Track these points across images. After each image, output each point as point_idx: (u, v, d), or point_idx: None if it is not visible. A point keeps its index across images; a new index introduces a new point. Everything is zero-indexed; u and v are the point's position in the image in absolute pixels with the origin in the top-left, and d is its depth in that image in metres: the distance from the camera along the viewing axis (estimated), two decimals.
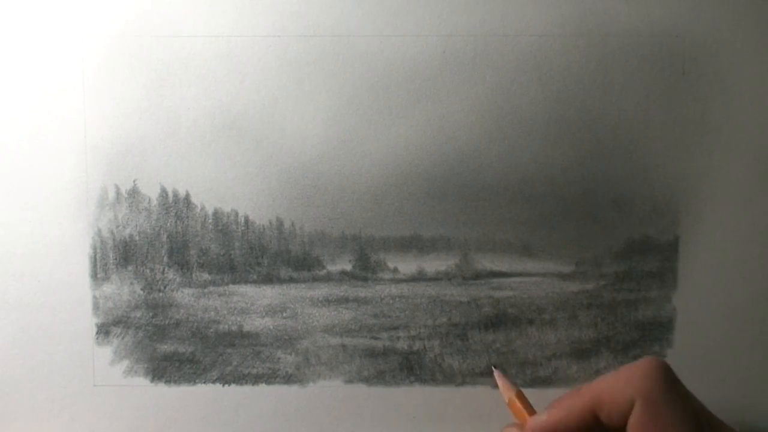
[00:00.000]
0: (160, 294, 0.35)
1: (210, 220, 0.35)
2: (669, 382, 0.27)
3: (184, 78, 0.34)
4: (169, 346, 0.35)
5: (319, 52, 0.34)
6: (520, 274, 0.35)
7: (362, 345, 0.35)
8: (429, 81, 0.34)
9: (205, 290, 0.35)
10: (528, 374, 0.35)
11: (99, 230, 0.35)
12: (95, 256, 0.35)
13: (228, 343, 0.35)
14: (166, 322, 0.35)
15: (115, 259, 0.35)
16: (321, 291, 0.35)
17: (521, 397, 0.31)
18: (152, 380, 0.35)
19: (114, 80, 0.34)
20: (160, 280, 0.35)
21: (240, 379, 0.35)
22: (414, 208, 0.35)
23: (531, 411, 0.31)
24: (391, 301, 0.35)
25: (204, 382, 0.35)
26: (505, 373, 0.34)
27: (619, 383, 0.27)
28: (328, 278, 0.35)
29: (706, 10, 0.34)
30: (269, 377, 0.35)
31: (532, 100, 0.34)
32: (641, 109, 0.34)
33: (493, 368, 0.34)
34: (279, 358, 0.35)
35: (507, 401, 0.32)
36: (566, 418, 0.28)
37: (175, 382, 0.35)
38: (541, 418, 0.29)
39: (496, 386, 0.33)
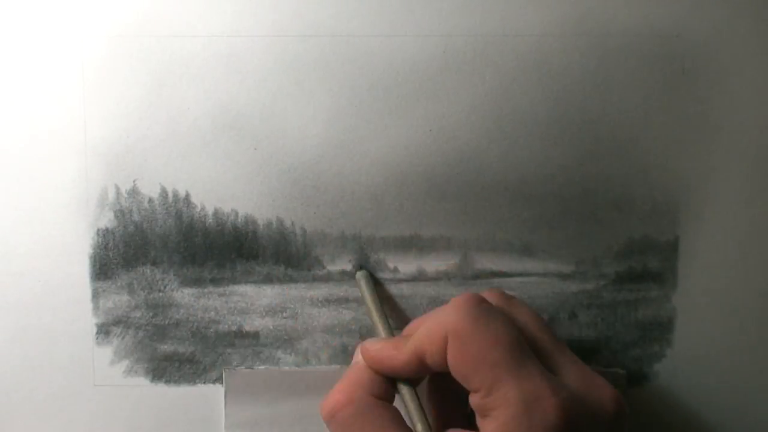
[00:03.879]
0: (160, 294, 0.35)
1: (210, 220, 0.35)
2: (475, 313, 0.27)
3: (184, 78, 0.34)
4: (169, 346, 0.35)
5: (319, 52, 0.34)
6: (520, 274, 0.35)
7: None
8: (429, 81, 0.34)
9: (205, 290, 0.35)
10: None
11: (99, 230, 0.35)
12: (95, 256, 0.35)
13: (228, 343, 0.35)
14: (166, 322, 0.35)
15: (115, 259, 0.35)
16: (321, 291, 0.35)
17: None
18: (152, 380, 0.35)
19: (114, 80, 0.34)
20: (160, 280, 0.35)
21: None
22: (414, 208, 0.35)
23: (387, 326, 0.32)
24: (390, 301, 0.35)
25: (204, 382, 0.35)
26: (373, 277, 0.35)
27: (434, 325, 0.27)
28: (328, 278, 0.35)
29: (706, 10, 0.34)
30: None
31: (532, 100, 0.34)
32: (641, 109, 0.34)
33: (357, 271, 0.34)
34: (279, 358, 0.35)
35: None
36: (395, 356, 0.28)
37: (175, 382, 0.35)
38: (375, 346, 0.29)
39: None
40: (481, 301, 0.28)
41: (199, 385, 0.35)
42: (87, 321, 0.35)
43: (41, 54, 0.34)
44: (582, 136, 0.34)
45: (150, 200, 0.35)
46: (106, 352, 0.35)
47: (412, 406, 0.29)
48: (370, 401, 0.28)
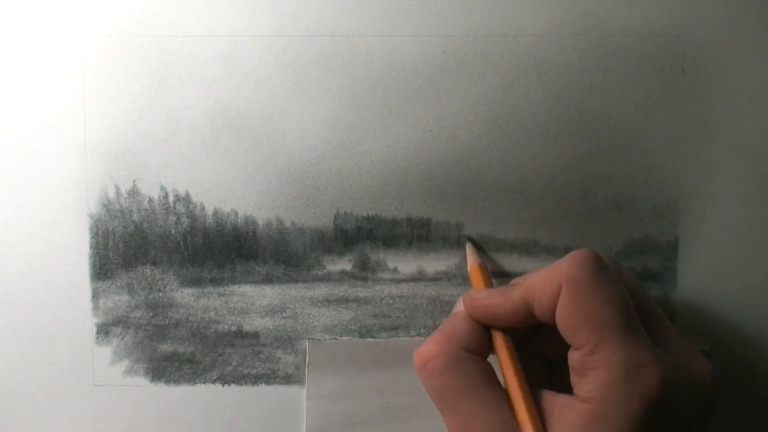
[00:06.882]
0: (160, 294, 0.35)
1: (210, 220, 0.35)
2: (594, 268, 0.27)
3: (184, 78, 0.34)
4: (169, 346, 0.35)
5: (319, 52, 0.34)
6: (520, 274, 0.35)
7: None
8: (429, 81, 0.34)
9: (205, 290, 0.35)
10: None
11: (99, 230, 0.35)
12: (95, 256, 0.35)
13: (228, 343, 0.35)
14: (166, 322, 0.35)
15: (115, 259, 0.35)
16: (321, 291, 0.35)
17: (483, 269, 0.32)
18: (152, 380, 0.35)
19: (114, 80, 0.34)
20: (160, 280, 0.35)
21: (240, 379, 0.35)
22: (414, 208, 0.35)
23: (489, 285, 0.32)
24: (390, 301, 0.35)
25: (204, 382, 0.35)
26: (478, 247, 0.35)
27: (548, 273, 0.27)
28: (328, 278, 0.35)
29: (706, 10, 0.34)
30: (269, 377, 0.35)
31: (532, 100, 0.34)
32: (641, 109, 0.34)
33: (466, 239, 0.34)
34: (279, 358, 0.35)
35: (469, 270, 0.33)
36: (502, 303, 0.28)
37: (175, 382, 0.35)
38: (481, 294, 0.29)
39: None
40: (600, 259, 0.27)
41: (199, 385, 0.35)
42: (87, 321, 0.35)
43: (41, 54, 0.34)
44: (582, 136, 0.34)
45: (150, 200, 0.35)
46: (106, 352, 0.35)
47: (507, 358, 0.28)
48: (462, 355, 0.28)
